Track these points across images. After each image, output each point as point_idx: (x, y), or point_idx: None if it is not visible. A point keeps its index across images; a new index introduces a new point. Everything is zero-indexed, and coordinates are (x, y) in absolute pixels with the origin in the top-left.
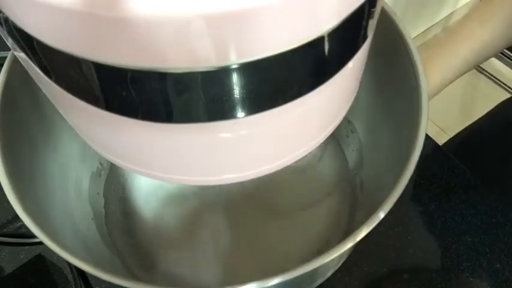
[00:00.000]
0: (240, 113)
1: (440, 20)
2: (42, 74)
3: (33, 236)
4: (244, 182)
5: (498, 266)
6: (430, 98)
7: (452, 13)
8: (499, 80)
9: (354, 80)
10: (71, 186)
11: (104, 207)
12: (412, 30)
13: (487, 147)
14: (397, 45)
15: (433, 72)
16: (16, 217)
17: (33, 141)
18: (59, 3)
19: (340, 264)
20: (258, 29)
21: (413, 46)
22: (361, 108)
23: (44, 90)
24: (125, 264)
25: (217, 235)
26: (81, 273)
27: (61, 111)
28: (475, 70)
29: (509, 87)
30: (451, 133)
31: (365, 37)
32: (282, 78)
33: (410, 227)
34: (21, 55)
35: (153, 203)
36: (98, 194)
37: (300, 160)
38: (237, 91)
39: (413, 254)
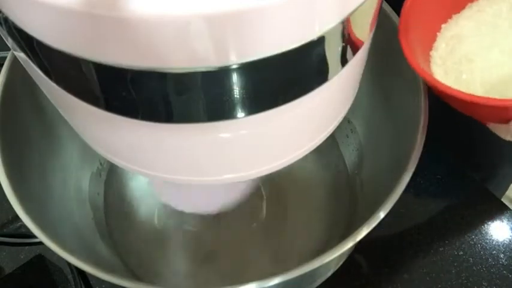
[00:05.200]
0: (240, 113)
1: None
2: (42, 74)
3: (33, 236)
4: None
5: (499, 265)
6: None
7: None
8: None
9: (353, 81)
10: (71, 186)
11: (104, 208)
12: None
13: None
14: (397, 44)
15: None
16: (16, 217)
17: (33, 141)
18: (59, 3)
19: (340, 264)
20: (257, 30)
21: None
22: (361, 108)
23: (44, 91)
24: (125, 264)
25: (218, 235)
26: (81, 273)
27: (61, 112)
28: None
29: None
30: None
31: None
32: (281, 79)
33: (411, 227)
34: (21, 55)
35: (153, 203)
36: (98, 194)
37: (299, 160)
38: (237, 91)
39: (413, 254)
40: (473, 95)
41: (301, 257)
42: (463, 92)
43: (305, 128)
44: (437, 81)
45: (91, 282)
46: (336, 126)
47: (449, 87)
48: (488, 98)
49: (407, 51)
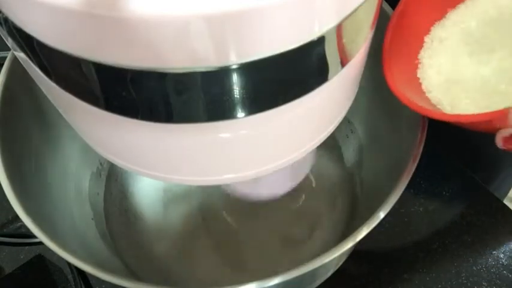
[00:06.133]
0: (240, 113)
1: None
2: (42, 74)
3: (33, 236)
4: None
5: (499, 265)
6: None
7: None
8: None
9: (353, 81)
10: (71, 186)
11: (104, 208)
12: None
13: None
14: None
15: None
16: (16, 217)
17: (33, 141)
18: (59, 3)
19: (340, 264)
20: (257, 30)
21: None
22: (361, 108)
23: (44, 91)
24: (125, 264)
25: (219, 235)
26: (81, 273)
27: (61, 111)
28: None
29: None
30: None
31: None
32: (281, 79)
33: (411, 227)
34: (21, 55)
35: (153, 203)
36: (98, 194)
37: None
38: (237, 91)
39: (413, 254)
40: (453, 115)
41: (300, 257)
42: (448, 114)
43: (305, 128)
44: (425, 109)
45: (91, 282)
46: (335, 127)
47: (438, 112)
48: (468, 115)
49: (392, 85)
